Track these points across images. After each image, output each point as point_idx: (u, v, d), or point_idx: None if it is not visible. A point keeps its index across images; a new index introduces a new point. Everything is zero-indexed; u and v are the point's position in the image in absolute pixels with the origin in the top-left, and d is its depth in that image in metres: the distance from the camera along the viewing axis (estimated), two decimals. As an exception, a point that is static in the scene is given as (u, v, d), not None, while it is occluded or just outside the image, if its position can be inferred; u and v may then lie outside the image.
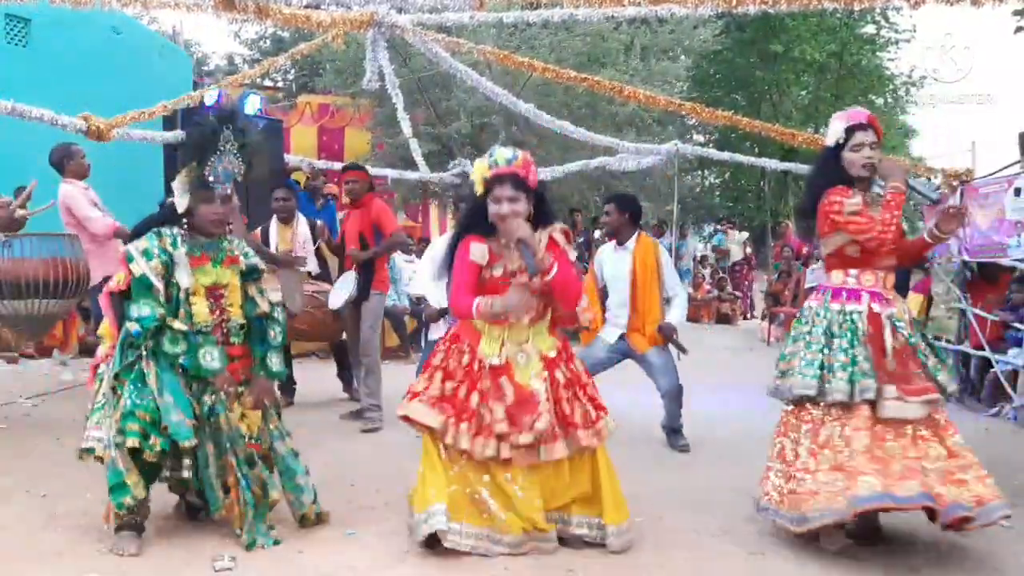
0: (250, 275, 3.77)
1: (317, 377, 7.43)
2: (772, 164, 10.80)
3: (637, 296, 5.42)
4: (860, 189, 3.64)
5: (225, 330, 3.64)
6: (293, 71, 18.44)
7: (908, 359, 3.53)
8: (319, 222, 6.80)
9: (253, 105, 9.09)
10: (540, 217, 3.56)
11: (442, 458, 3.46)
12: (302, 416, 5.91)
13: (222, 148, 3.63)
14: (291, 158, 10.83)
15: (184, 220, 3.62)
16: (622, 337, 5.45)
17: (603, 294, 5.58)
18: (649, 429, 5.61)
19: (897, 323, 3.56)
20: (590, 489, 3.54)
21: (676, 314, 5.43)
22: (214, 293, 3.62)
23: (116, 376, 3.44)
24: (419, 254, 11.02)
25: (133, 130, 7.52)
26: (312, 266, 6.67)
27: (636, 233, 5.51)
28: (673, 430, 5.47)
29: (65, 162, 5.94)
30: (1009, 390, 6.63)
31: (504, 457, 3.39)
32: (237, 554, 3.36)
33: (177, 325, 3.46)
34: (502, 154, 3.54)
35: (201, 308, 3.55)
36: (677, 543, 3.67)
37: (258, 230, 6.59)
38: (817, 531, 3.43)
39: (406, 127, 10.79)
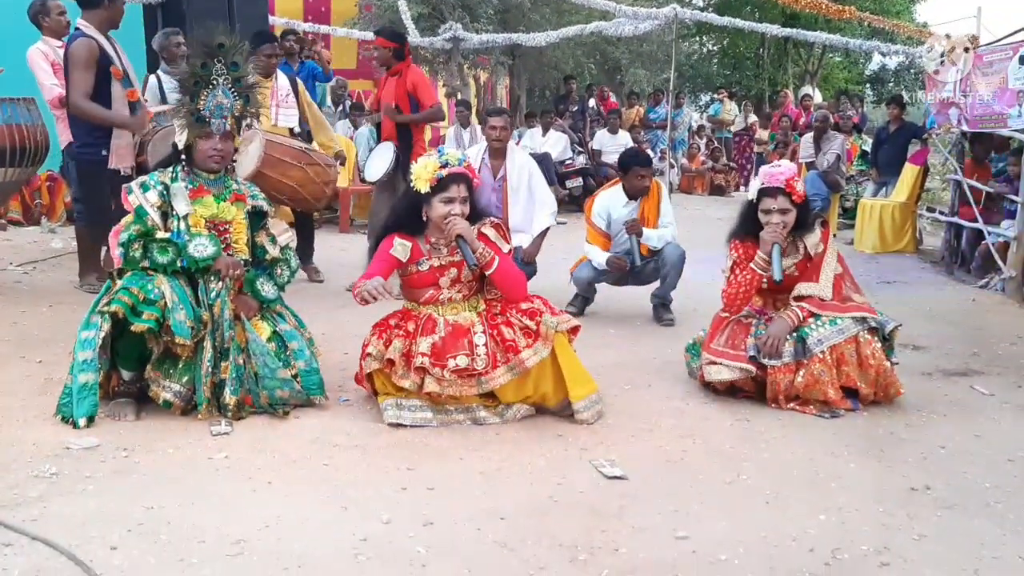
0: (257, 219, 3.80)
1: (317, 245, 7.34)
2: (773, 30, 10.52)
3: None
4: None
5: None
6: (276, -73, 17.58)
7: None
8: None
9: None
10: (472, 216, 3.68)
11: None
12: (302, 285, 5.92)
13: (214, 82, 3.61)
14: (275, 20, 10.46)
15: (186, 158, 3.66)
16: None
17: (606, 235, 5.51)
18: (637, 304, 5.63)
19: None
20: (553, 381, 3.56)
21: (654, 234, 5.38)
22: (217, 228, 3.64)
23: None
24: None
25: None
26: (293, 122, 6.33)
27: None
28: (663, 304, 5.49)
29: (41, 18, 5.71)
30: (999, 262, 6.65)
31: (428, 391, 3.43)
32: (233, 420, 3.42)
33: (160, 235, 3.49)
34: (454, 155, 3.66)
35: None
36: (665, 410, 3.75)
37: None
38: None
39: (395, -12, 10.40)
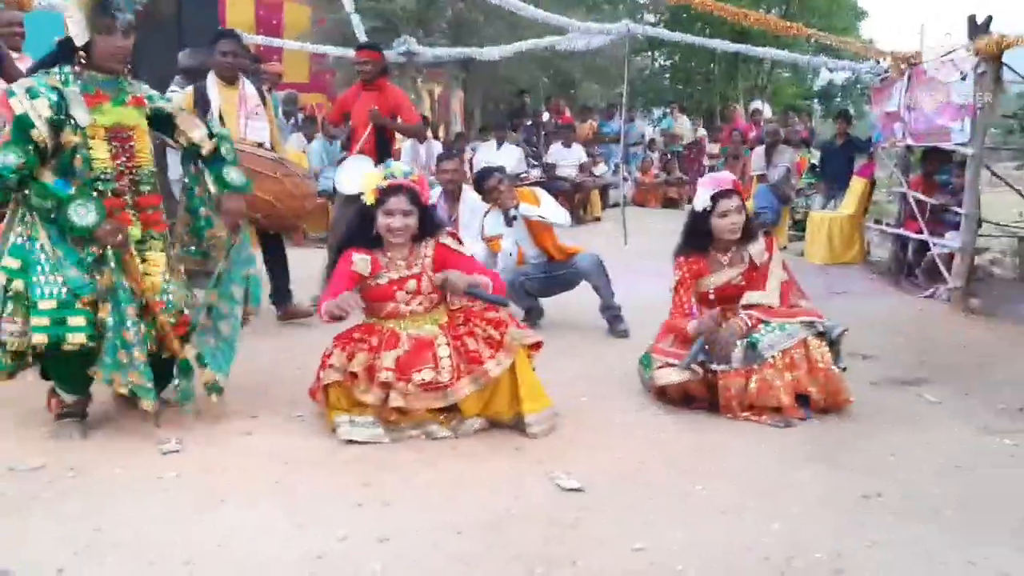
0: (166, 124, 3.50)
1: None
2: (723, 46, 10.64)
3: (544, 242, 5.53)
4: (723, 250, 3.98)
5: (135, 177, 3.33)
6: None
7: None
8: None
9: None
10: (427, 228, 3.71)
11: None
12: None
13: None
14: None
15: (79, 56, 3.20)
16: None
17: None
18: (595, 317, 5.64)
19: None
20: (509, 395, 3.54)
21: (532, 209, 5.41)
22: (118, 136, 3.27)
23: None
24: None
25: None
26: (264, 136, 5.58)
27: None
28: (614, 316, 5.50)
29: None
30: (944, 272, 6.81)
31: (394, 406, 3.40)
32: (184, 437, 3.36)
33: (45, 177, 3.11)
34: (399, 168, 3.72)
35: (100, 153, 3.21)
36: (621, 422, 3.76)
37: (189, 89, 5.47)
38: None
39: (348, 2, 10.36)
